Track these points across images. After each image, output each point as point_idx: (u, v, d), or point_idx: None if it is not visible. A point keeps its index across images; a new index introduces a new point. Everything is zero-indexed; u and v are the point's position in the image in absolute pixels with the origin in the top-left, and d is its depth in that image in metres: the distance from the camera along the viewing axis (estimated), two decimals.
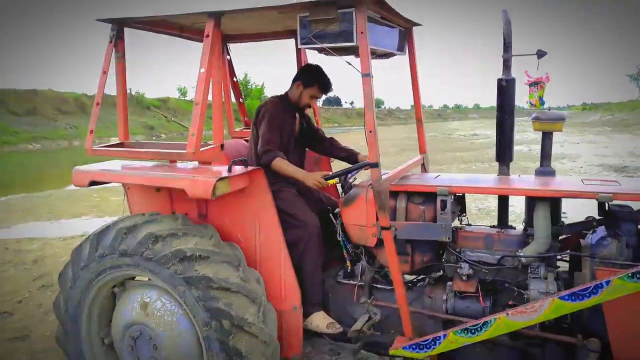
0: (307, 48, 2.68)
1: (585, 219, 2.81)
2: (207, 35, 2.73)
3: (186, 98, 57.10)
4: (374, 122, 2.55)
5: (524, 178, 3.03)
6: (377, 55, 3.18)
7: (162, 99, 43.06)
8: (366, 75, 2.52)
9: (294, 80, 3.39)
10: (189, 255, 2.62)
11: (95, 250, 2.81)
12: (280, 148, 3.20)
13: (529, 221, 2.87)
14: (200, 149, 2.76)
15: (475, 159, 17.49)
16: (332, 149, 3.68)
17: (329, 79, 3.35)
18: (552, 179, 2.91)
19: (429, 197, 2.86)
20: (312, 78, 3.34)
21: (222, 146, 2.90)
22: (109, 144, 3.19)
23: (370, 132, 2.55)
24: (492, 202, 8.98)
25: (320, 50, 2.75)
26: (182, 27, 3.44)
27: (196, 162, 2.96)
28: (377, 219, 2.78)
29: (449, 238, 2.78)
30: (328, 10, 2.51)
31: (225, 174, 2.68)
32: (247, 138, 4.04)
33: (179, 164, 3.03)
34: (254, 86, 57.80)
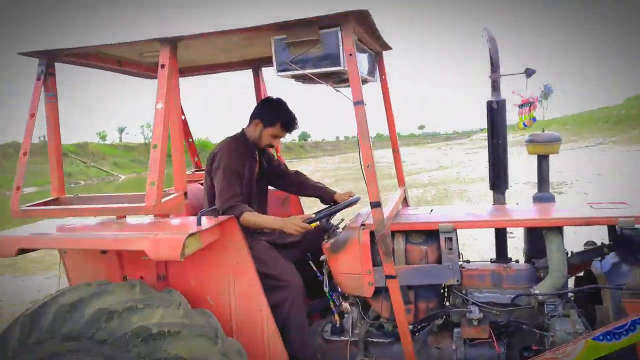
0: (284, 76, 2.31)
1: (586, 244, 2.61)
2: (163, 66, 2.30)
3: (106, 142, 54.64)
4: (371, 155, 2.22)
5: (524, 206, 2.80)
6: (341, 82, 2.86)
7: (79, 144, 40.65)
8: (359, 103, 2.19)
9: (252, 117, 2.96)
10: (155, 332, 2.09)
11: (28, 336, 2.20)
12: (242, 199, 2.79)
13: (532, 253, 2.62)
14: (162, 200, 2.27)
15: (410, 184, 17.73)
16: (301, 187, 3.29)
17: (293, 116, 2.94)
18: (555, 205, 2.70)
19: (430, 235, 2.54)
20: (274, 115, 2.91)
21: (185, 194, 2.44)
22: (40, 201, 2.60)
23: (368, 166, 2.21)
24: (476, 233, 8.90)
25: (298, 78, 2.39)
26: (126, 61, 2.96)
27: (151, 216, 2.46)
28: (374, 266, 2.44)
29: (457, 280, 2.46)
30: (309, 31, 2.18)
31: (194, 228, 2.21)
32: (202, 181, 3.58)
33: (129, 220, 2.51)
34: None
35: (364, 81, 2.91)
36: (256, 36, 2.45)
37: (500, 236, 2.78)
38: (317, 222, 2.73)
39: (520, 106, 2.73)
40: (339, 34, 2.16)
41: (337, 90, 2.33)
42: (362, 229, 2.53)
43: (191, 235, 2.13)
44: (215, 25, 2.27)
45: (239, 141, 2.95)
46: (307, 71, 2.22)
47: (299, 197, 3.47)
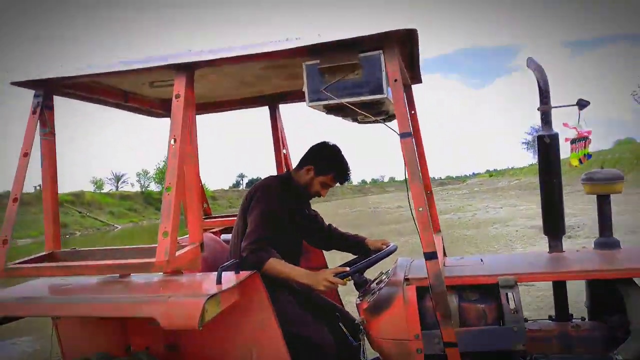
0: (315, 106, 2.01)
1: None
2: (178, 96, 2.00)
3: (103, 191, 54.10)
4: (423, 196, 1.88)
5: (587, 254, 2.45)
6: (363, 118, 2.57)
7: (75, 193, 40.18)
8: (406, 135, 1.88)
9: (304, 162, 2.65)
10: None
11: None
12: (272, 246, 2.43)
13: (597, 309, 2.27)
14: (175, 254, 1.92)
15: (413, 230, 17.31)
16: (334, 240, 2.92)
17: (348, 167, 2.65)
18: (624, 252, 2.36)
19: (487, 290, 2.18)
20: (329, 165, 2.61)
21: (202, 246, 2.09)
22: (31, 257, 2.22)
23: (420, 210, 1.88)
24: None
25: (331, 110, 2.10)
26: (133, 95, 2.68)
27: (160, 273, 2.10)
28: (422, 329, 2.07)
29: (524, 345, 2.08)
30: (346, 55, 1.90)
31: (213, 288, 1.85)
32: (212, 229, 3.22)
33: (135, 278, 2.14)
34: None
35: (392, 117, 2.62)
36: (282, 63, 2.18)
37: (560, 289, 2.42)
38: (350, 277, 2.37)
39: (574, 141, 2.43)
40: (382, 57, 1.88)
41: (381, 122, 2.03)
42: (407, 284, 2.17)
43: (211, 297, 1.77)
44: (223, 35, 2.00)
45: (285, 183, 2.64)
46: (345, 100, 1.92)
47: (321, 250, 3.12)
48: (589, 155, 2.40)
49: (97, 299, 1.94)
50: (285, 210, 2.52)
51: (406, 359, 2.13)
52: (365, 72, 1.90)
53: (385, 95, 1.91)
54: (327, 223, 2.94)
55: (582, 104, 2.40)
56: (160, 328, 1.79)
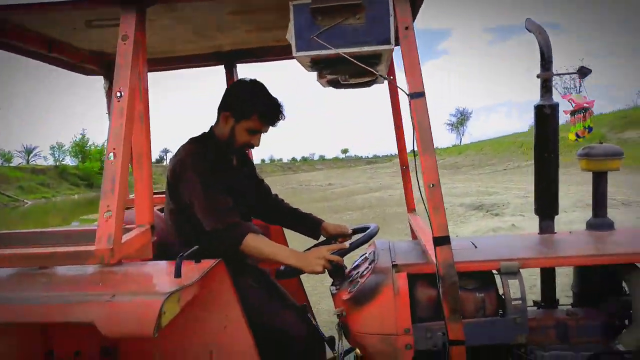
0: (303, 58, 1.62)
1: None
2: (125, 38, 1.54)
3: (11, 164, 49.75)
4: (436, 169, 1.56)
5: (582, 236, 2.26)
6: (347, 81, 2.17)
7: None
8: (419, 95, 1.54)
9: (220, 109, 2.17)
10: None
11: None
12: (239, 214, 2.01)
13: (585, 295, 2.11)
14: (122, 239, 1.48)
15: (345, 207, 17.33)
16: (282, 214, 2.51)
17: (276, 102, 2.13)
18: (617, 234, 2.20)
19: (486, 277, 1.93)
20: (248, 103, 2.09)
21: (152, 228, 1.66)
22: None
23: (432, 186, 1.56)
24: None
25: (321, 65, 1.72)
26: (60, 42, 2.14)
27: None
28: (413, 322, 1.80)
29: (526, 337, 1.86)
30: None
31: (172, 283, 1.44)
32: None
33: (65, 270, 1.67)
34: (92, 147, 52.71)
35: (374, 81, 2.26)
36: (255, 5, 1.76)
37: (549, 274, 2.24)
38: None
39: (573, 113, 2.22)
40: (390, 0, 1.53)
41: (385, 77, 1.68)
42: (396, 271, 1.87)
43: (170, 295, 1.36)
44: None
45: (204, 143, 2.13)
46: (343, 50, 1.55)
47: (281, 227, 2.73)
48: (589, 128, 2.20)
49: (12, 298, 1.46)
50: (218, 174, 2.05)
51: (392, 356, 1.85)
52: (370, 17, 1.54)
53: (392, 46, 1.56)
54: (273, 192, 2.53)
55: (584, 72, 2.19)
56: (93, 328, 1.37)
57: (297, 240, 2.67)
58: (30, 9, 1.69)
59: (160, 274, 1.55)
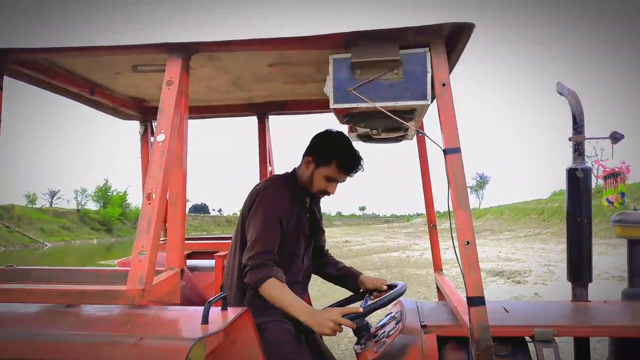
0: (339, 110, 1.66)
1: None
2: (170, 83, 1.59)
3: (35, 205, 50.70)
4: (471, 227, 1.54)
5: (617, 306, 2.18)
6: (379, 135, 2.18)
7: (4, 207, 37.37)
8: (455, 151, 1.55)
9: (305, 155, 2.21)
10: None
11: None
12: (282, 258, 2.02)
13: None
14: (153, 281, 1.47)
15: (362, 266, 17.06)
16: (327, 266, 2.48)
17: (355, 153, 2.15)
18: None
19: (518, 344, 1.85)
20: (328, 151, 2.13)
21: (182, 272, 1.65)
22: None
23: (468, 243, 1.53)
24: None
25: (357, 118, 1.75)
26: (101, 88, 2.23)
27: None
28: None
29: None
30: (384, 49, 1.57)
31: (198, 330, 1.41)
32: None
33: (89, 309, 1.65)
34: (114, 192, 53.61)
35: (404, 137, 2.27)
36: (295, 58, 1.82)
37: (583, 344, 2.14)
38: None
39: (605, 178, 2.20)
40: (428, 56, 1.57)
41: (420, 133, 1.69)
42: (425, 332, 1.81)
43: (197, 341, 1.33)
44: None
45: (288, 180, 2.19)
46: (379, 104, 1.58)
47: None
48: (622, 194, 2.16)
49: (39, 334, 1.44)
50: (292, 211, 2.09)
51: None
52: (407, 72, 1.57)
53: (429, 102, 1.59)
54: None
55: (616, 137, 2.18)
56: None
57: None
58: (78, 52, 1.78)
59: (188, 319, 1.52)
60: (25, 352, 1.38)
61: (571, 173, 2.17)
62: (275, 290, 1.91)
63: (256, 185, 2.16)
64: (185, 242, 2.86)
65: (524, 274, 13.46)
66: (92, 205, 53.16)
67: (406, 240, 31.42)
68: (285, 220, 2.05)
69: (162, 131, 1.55)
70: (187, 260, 2.84)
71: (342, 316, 1.86)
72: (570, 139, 2.20)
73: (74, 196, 57.34)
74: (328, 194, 2.20)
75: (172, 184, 1.63)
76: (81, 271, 1.82)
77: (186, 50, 1.65)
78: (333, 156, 2.11)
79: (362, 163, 2.14)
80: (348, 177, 2.18)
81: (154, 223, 1.47)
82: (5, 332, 1.47)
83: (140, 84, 2.27)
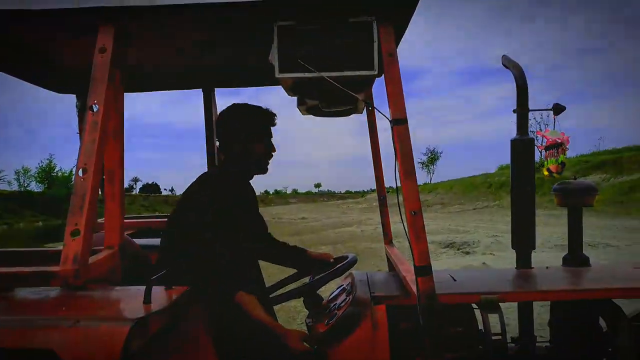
0: (284, 79, 1.60)
1: None
2: (103, 50, 1.49)
3: None
4: (417, 197, 1.54)
5: (560, 271, 2.26)
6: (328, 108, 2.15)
7: None
8: (401, 122, 1.53)
9: (224, 141, 2.13)
10: None
11: None
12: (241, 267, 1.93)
13: (562, 329, 2.10)
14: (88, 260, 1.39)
15: (318, 242, 17.21)
16: (274, 249, 2.43)
17: (259, 107, 2.13)
18: (594, 270, 2.21)
19: (464, 311, 1.90)
20: (242, 122, 2.09)
21: (121, 251, 1.57)
22: None
23: (414, 213, 1.53)
24: None
25: (304, 88, 1.70)
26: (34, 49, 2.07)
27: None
28: (392, 358, 1.74)
29: None
30: (332, 17, 1.52)
31: (140, 310, 1.35)
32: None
33: (24, 292, 1.56)
34: (60, 173, 51.39)
35: (353, 110, 2.25)
36: (236, 27, 1.74)
37: (526, 309, 2.22)
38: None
39: (547, 148, 2.26)
40: (375, 25, 1.53)
41: (367, 104, 1.67)
42: (375, 303, 1.82)
43: (139, 321, 1.27)
44: None
45: (223, 173, 2.10)
46: (325, 74, 1.54)
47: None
48: (562, 164, 2.23)
49: None
50: (236, 206, 2.01)
51: None
52: (354, 42, 1.54)
53: (375, 72, 1.56)
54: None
55: (558, 109, 2.23)
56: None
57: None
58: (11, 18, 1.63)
59: (129, 299, 1.46)
60: None
61: (515, 144, 2.22)
62: (249, 302, 1.80)
63: (187, 190, 2.03)
64: (144, 218, 2.77)
65: (472, 245, 13.95)
66: (35, 187, 50.89)
67: (360, 215, 31.89)
68: (239, 218, 2.01)
69: (95, 102, 1.45)
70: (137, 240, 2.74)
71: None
72: (514, 111, 2.23)
73: (15, 177, 54.58)
74: (271, 153, 2.16)
75: (108, 159, 1.55)
76: (12, 252, 1.71)
77: (121, 16, 1.55)
78: (250, 122, 2.09)
79: (269, 109, 2.14)
80: (272, 128, 2.16)
81: (88, 199, 1.39)
82: None
83: (73, 53, 2.12)
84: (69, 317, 1.29)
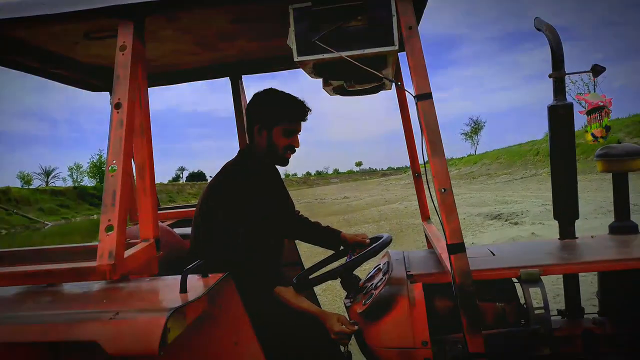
0: (304, 62, 1.58)
1: None
2: (124, 48, 1.51)
3: (31, 186, 50.66)
4: (447, 174, 1.50)
5: (605, 240, 2.16)
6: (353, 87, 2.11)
7: (0, 190, 37.29)
8: (426, 97, 1.49)
9: (250, 126, 2.14)
10: None
11: None
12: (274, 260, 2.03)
13: (610, 303, 2.02)
14: (124, 255, 1.44)
15: (362, 220, 17.20)
16: (305, 229, 2.46)
17: (294, 98, 2.12)
18: None
19: (505, 286, 1.85)
20: (272, 110, 2.08)
21: (157, 243, 1.61)
22: None
23: (443, 191, 1.49)
24: None
25: (325, 69, 1.67)
26: (57, 57, 2.12)
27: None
28: (432, 335, 1.72)
29: (550, 349, 1.77)
30: None
31: (177, 299, 1.39)
32: (165, 222, 2.71)
33: (68, 287, 1.63)
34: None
35: (380, 87, 2.19)
36: (257, 13, 1.72)
37: (572, 282, 2.14)
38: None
39: (589, 112, 2.14)
40: (393, 2, 1.48)
41: (390, 80, 1.62)
42: (412, 282, 1.80)
43: (175, 311, 1.31)
44: None
45: (245, 164, 2.12)
46: (344, 53, 1.51)
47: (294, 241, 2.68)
48: (607, 128, 2.11)
49: (16, 317, 1.42)
50: (263, 195, 2.04)
51: None
52: (372, 18, 1.49)
53: (396, 47, 1.51)
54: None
55: (597, 70, 2.11)
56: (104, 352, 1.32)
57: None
58: (26, 23, 1.67)
59: (166, 290, 1.50)
60: (1, 336, 1.36)
61: (552, 110, 2.12)
62: (287, 296, 1.91)
63: (213, 183, 2.10)
64: (181, 209, 2.83)
65: (521, 215, 13.58)
66: (88, 182, 53.12)
67: (403, 191, 31.59)
68: (269, 212, 2.03)
69: (119, 99, 1.48)
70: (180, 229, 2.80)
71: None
72: (550, 76, 2.13)
73: (69, 174, 57.14)
74: (294, 148, 2.15)
75: (137, 155, 1.58)
76: (56, 249, 1.79)
77: (138, 12, 1.56)
78: (280, 111, 2.08)
79: (306, 104, 2.11)
80: (302, 123, 2.14)
81: (119, 195, 1.42)
82: None
83: (103, 52, 2.17)
84: (110, 309, 1.34)
